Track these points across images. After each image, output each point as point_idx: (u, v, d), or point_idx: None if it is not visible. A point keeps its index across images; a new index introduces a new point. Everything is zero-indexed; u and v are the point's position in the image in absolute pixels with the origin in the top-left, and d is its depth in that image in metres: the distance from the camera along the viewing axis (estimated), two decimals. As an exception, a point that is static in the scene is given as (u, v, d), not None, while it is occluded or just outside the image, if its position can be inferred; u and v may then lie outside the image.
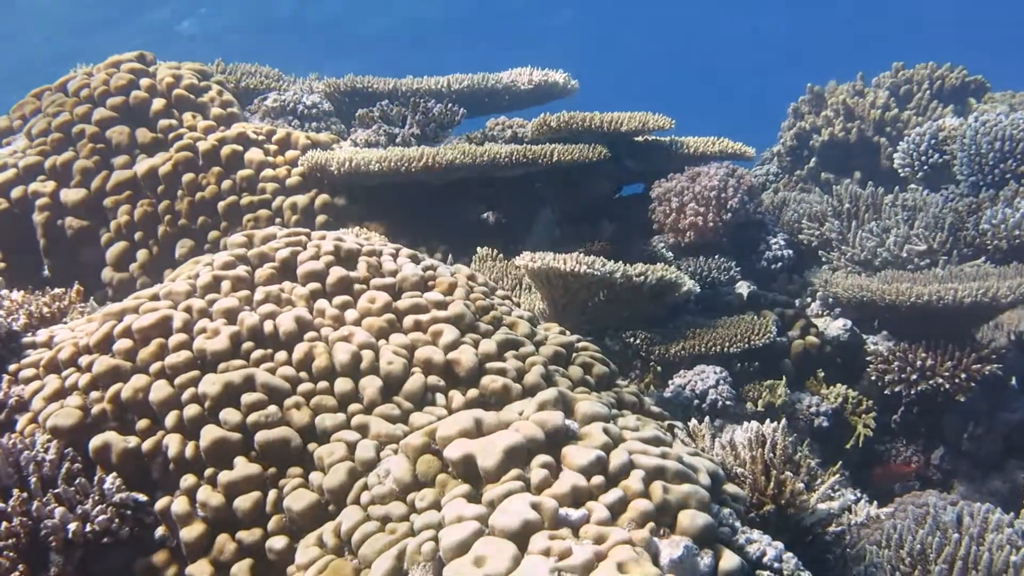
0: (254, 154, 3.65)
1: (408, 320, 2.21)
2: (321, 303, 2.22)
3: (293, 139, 3.80)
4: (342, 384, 2.04)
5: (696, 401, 3.44)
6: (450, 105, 4.19)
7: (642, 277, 2.71)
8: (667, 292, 2.88)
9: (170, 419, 1.98)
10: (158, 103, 3.80)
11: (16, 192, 3.64)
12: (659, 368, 3.59)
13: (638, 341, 3.64)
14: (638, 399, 2.46)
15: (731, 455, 2.15)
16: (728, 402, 3.43)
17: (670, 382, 3.53)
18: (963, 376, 3.43)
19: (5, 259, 3.62)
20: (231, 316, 2.13)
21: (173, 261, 3.49)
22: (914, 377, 3.52)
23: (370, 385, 2.04)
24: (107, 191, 3.60)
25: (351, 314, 2.20)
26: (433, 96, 5.21)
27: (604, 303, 2.82)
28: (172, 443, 1.95)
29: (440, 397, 2.09)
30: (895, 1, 23.23)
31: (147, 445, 1.97)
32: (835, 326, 4.10)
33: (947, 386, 3.45)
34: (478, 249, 3.33)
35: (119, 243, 3.56)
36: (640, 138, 3.94)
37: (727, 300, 3.96)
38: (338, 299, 2.23)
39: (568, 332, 2.61)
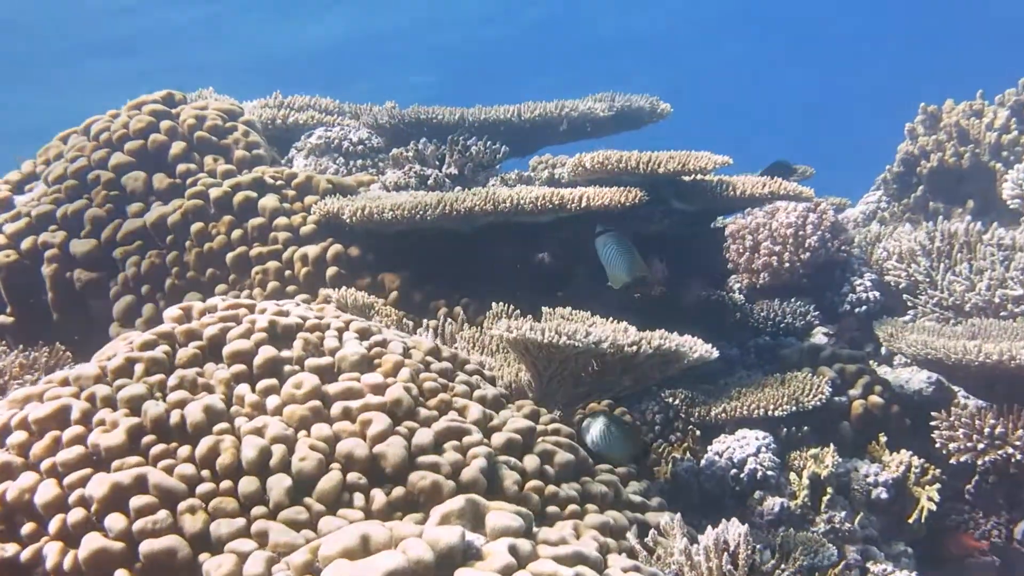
0: (268, 201, 3.55)
1: (337, 407, 2.05)
2: (242, 389, 2.07)
3: (314, 183, 3.69)
4: (247, 484, 1.89)
5: (734, 471, 3.19)
6: (490, 143, 4.03)
7: (635, 348, 2.48)
8: (670, 362, 2.65)
9: (54, 524, 1.85)
10: (177, 147, 3.74)
11: (26, 243, 3.62)
12: (698, 432, 3.36)
13: (677, 402, 3.42)
14: (614, 489, 2.25)
15: (687, 567, 1.92)
16: (770, 472, 3.17)
17: (709, 448, 3.30)
18: (1037, 446, 3.10)
19: (15, 312, 3.60)
20: (135, 406, 2.00)
21: (179, 316, 3.41)
22: (981, 446, 3.19)
23: (277, 485, 1.88)
24: (117, 241, 3.55)
25: (273, 401, 2.05)
26: (502, 126, 5.07)
27: (599, 374, 2.61)
28: (51, 553, 1.82)
29: (359, 497, 1.91)
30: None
31: (27, 554, 1.85)
32: (919, 379, 3.79)
33: (1019, 456, 3.12)
34: (492, 305, 3.14)
35: (125, 296, 3.50)
36: (688, 178, 3.70)
37: (783, 353, 3.68)
38: (263, 383, 2.08)
39: (546, 411, 2.42)
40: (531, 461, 2.13)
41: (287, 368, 2.13)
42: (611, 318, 3.05)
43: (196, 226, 3.48)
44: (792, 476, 3.18)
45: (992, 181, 5.41)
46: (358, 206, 3.37)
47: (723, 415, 3.29)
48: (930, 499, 3.22)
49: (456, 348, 3.03)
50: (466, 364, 2.44)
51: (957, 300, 3.99)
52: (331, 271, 3.40)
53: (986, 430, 3.15)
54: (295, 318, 2.25)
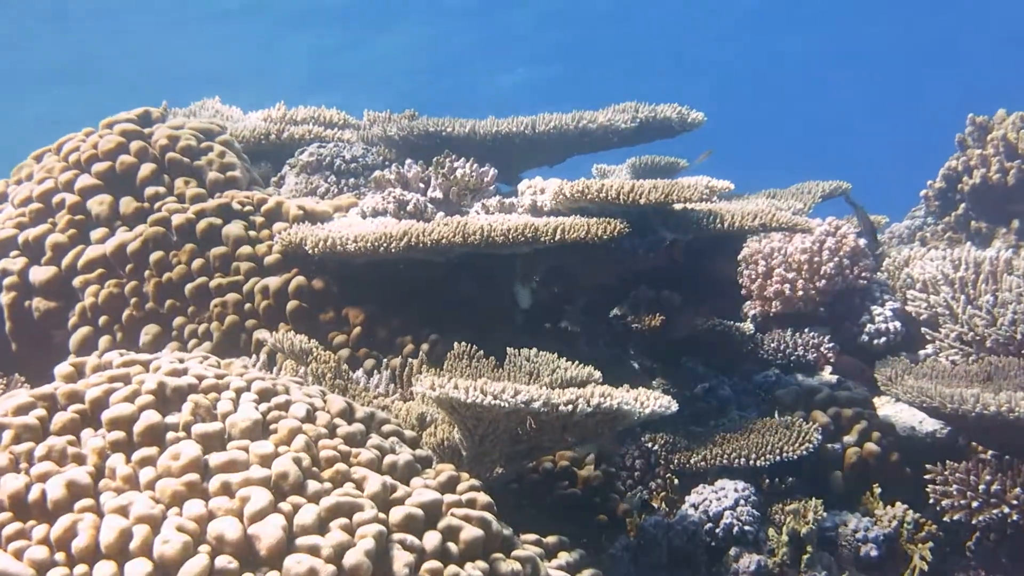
0: (233, 228, 3.47)
1: (216, 481, 1.95)
2: (114, 460, 1.97)
3: (284, 210, 3.60)
4: (103, 570, 1.79)
5: (709, 525, 3.05)
6: (476, 166, 3.90)
7: (571, 407, 2.35)
8: (616, 420, 2.51)
9: None
10: (146, 169, 3.67)
11: (-15, 270, 3.58)
12: (676, 481, 3.22)
13: (657, 447, 3.29)
14: (531, 567, 2.13)
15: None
16: (748, 527, 3.04)
17: (687, 498, 3.16)
18: (1034, 505, 2.92)
19: (-24, 342, 3.57)
20: (-7, 479, 1.91)
21: (136, 350, 3.34)
22: (976, 503, 3.00)
23: (134, 572, 1.78)
24: (78, 269, 3.49)
25: (147, 474, 1.95)
26: (516, 139, 4.96)
27: (538, 431, 2.48)
28: None
29: (227, 585, 1.81)
30: None
31: None
32: (933, 421, 3.63)
33: (1015, 516, 2.93)
34: (455, 345, 3.03)
35: (83, 328, 3.44)
36: (679, 206, 3.55)
37: (778, 395, 3.52)
38: (139, 454, 1.98)
39: (469, 476, 2.30)
40: (431, 539, 2.01)
41: (171, 435, 2.04)
42: (577, 363, 2.92)
43: (156, 255, 3.42)
44: (772, 532, 3.02)
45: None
46: (321, 236, 3.29)
47: (703, 463, 3.16)
48: (923, 558, 3.04)
49: (398, 396, 2.93)
50: (384, 424, 2.33)
51: (978, 335, 3.79)
52: (292, 305, 3.32)
53: (981, 487, 2.96)
54: (190, 378, 2.16)
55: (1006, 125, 5.57)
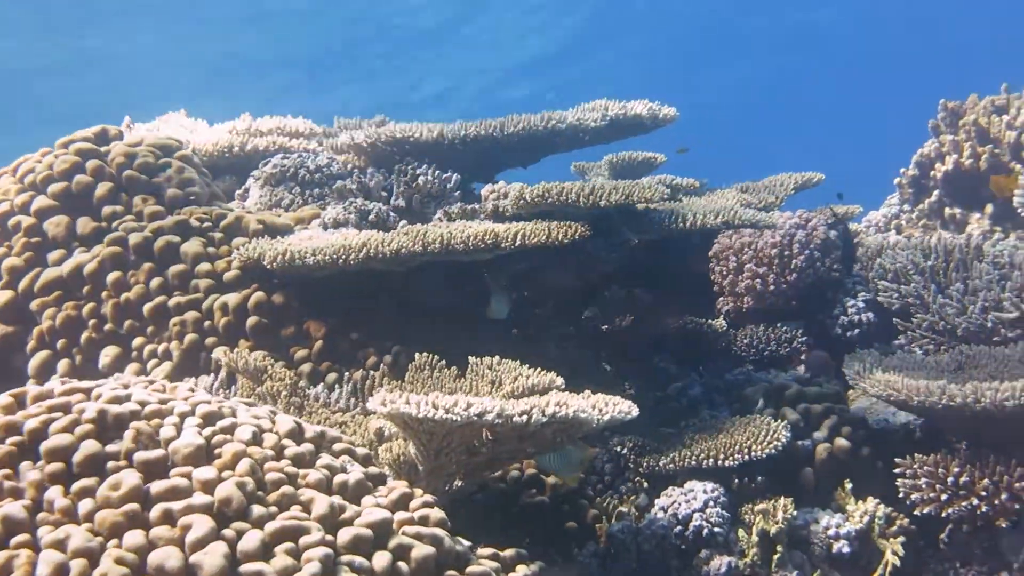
0: (191, 246, 3.44)
1: (157, 510, 1.91)
2: (52, 492, 1.94)
3: (244, 224, 3.57)
4: (40, 606, 1.76)
5: (679, 528, 3.03)
6: (438, 173, 3.87)
7: (525, 418, 2.32)
8: (574, 428, 2.48)
9: None
10: (103, 188, 3.63)
11: (-60, 296, 3.54)
12: (645, 484, 3.20)
13: (625, 451, 3.26)
14: (489, 584, 2.10)
15: None
16: (717, 529, 3.02)
17: (657, 501, 3.14)
18: (1004, 497, 2.89)
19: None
20: (-74, 516, 1.88)
21: (96, 372, 3.31)
22: (945, 496, 2.98)
23: (71, 607, 1.75)
24: (35, 292, 3.45)
25: (86, 505, 1.92)
26: (485, 142, 4.92)
27: (495, 443, 2.45)
28: None
29: (169, 617, 1.78)
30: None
31: None
32: (906, 414, 3.61)
33: (984, 508, 2.91)
34: (416, 356, 2.99)
35: (41, 352, 3.40)
36: (641, 206, 3.52)
37: (747, 393, 3.50)
38: (77, 485, 1.95)
39: (423, 491, 2.27)
40: (381, 559, 1.98)
41: (112, 464, 2.00)
42: (540, 369, 2.89)
43: (113, 275, 3.38)
44: (741, 533, 3.00)
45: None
46: (280, 250, 3.26)
47: (672, 465, 3.14)
48: (895, 553, 3.02)
49: (359, 410, 2.90)
50: (336, 442, 2.30)
51: (949, 324, 3.76)
52: (252, 321, 3.28)
53: (950, 479, 2.94)
54: (132, 404, 2.12)
55: (978, 110, 5.54)
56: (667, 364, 4.02)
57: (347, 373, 3.18)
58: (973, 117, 5.45)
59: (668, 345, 4.12)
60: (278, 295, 3.35)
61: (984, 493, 2.90)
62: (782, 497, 3.09)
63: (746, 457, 3.07)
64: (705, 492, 3.07)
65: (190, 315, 3.32)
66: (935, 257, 4.09)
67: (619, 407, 2.56)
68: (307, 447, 2.21)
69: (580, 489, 3.16)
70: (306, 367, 3.23)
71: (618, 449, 3.29)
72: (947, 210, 5.46)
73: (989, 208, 5.26)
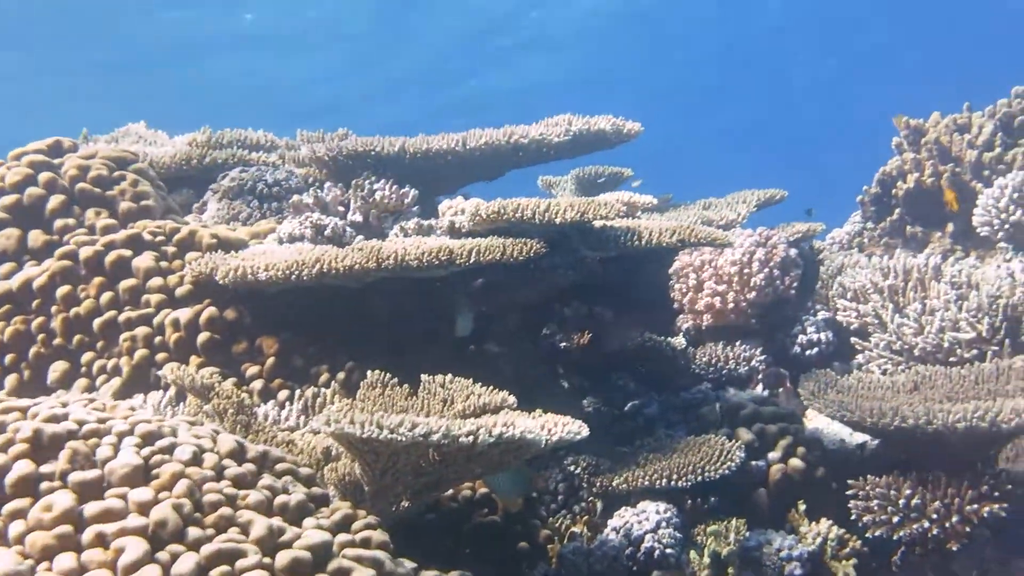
0: (143, 260, 3.41)
1: (90, 532, 1.89)
2: (-18, 514, 1.92)
3: (197, 238, 3.54)
4: (-33, 630, 1.74)
5: (630, 549, 3.02)
6: (396, 187, 3.86)
7: (471, 438, 2.31)
8: (523, 449, 2.47)
9: None
10: (55, 200, 3.60)
11: None
12: (599, 504, 3.19)
13: (579, 470, 3.25)
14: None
15: None
16: (669, 551, 3.00)
17: (609, 522, 3.12)
18: (955, 520, 2.89)
19: None
20: None
21: (46, 388, 3.28)
22: (896, 519, 2.98)
23: (0, 632, 1.73)
24: (-17, 307, 3.41)
25: (17, 528, 1.89)
26: (449, 156, 4.91)
27: (442, 464, 2.44)
28: None
29: (98, 643, 1.76)
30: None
31: None
32: (862, 434, 3.61)
33: (935, 531, 2.91)
34: (368, 374, 2.97)
35: (-11, 367, 3.36)
36: (598, 223, 3.52)
37: (702, 412, 3.50)
38: (10, 507, 1.92)
39: (367, 513, 2.25)
40: (320, 584, 1.96)
41: (46, 485, 1.98)
42: (492, 388, 2.87)
43: (63, 289, 3.34)
44: (693, 554, 2.99)
45: (973, 203, 5.16)
46: (232, 266, 3.23)
47: (625, 485, 3.12)
48: (847, 575, 3.02)
49: (309, 429, 2.87)
50: (279, 463, 2.27)
51: (906, 344, 3.78)
52: (203, 337, 3.25)
53: (901, 501, 2.94)
54: (69, 423, 2.09)
55: (940, 128, 5.58)
56: (626, 381, 4.01)
57: (299, 390, 3.16)
58: (935, 135, 5.49)
59: (627, 362, 4.11)
60: (231, 311, 3.32)
61: (935, 515, 2.91)
62: (734, 518, 3.09)
63: (699, 478, 3.07)
64: (658, 513, 3.06)
65: (141, 330, 3.29)
66: (894, 276, 4.11)
67: (568, 428, 2.55)
68: (248, 467, 2.19)
69: (533, 509, 3.15)
70: (257, 384, 3.20)
71: (572, 468, 3.28)
72: (908, 228, 5.49)
73: (950, 227, 5.29)
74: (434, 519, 2.97)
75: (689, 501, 3.15)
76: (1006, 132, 5.38)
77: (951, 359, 3.73)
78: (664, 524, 3.03)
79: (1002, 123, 5.42)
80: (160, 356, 3.27)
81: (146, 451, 2.09)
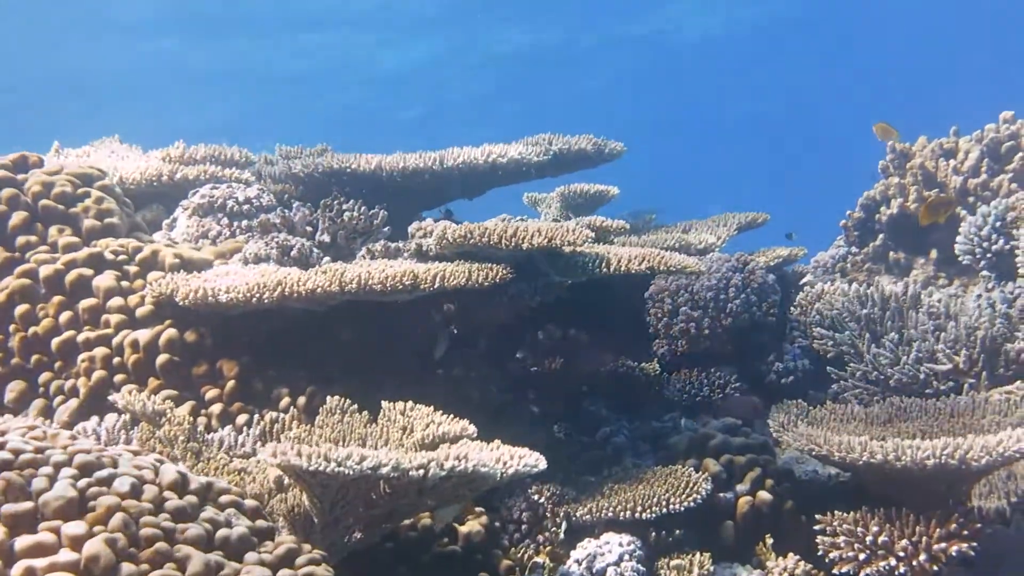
0: (104, 280, 3.36)
1: (20, 567, 1.84)
2: (-92, 548, 1.87)
3: (160, 258, 3.50)
4: None
5: (592, 582, 2.97)
6: (365, 208, 3.82)
7: (422, 472, 2.26)
8: (476, 482, 2.43)
9: None
10: (17, 217, 3.55)
11: None
12: (562, 535, 3.14)
13: (543, 499, 3.20)
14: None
15: None
16: (632, 584, 2.95)
17: (572, 553, 3.08)
18: (922, 558, 2.85)
19: None
20: None
21: (2, 407, 3.23)
22: (863, 556, 2.94)
23: (-82, 672, 1.68)
24: (-59, 325, 3.37)
25: (-57, 562, 1.85)
26: (426, 174, 4.88)
27: (393, 497, 2.39)
28: None
29: None
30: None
31: None
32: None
33: (902, 569, 2.86)
34: (327, 400, 2.93)
35: (-56, 387, 3.32)
36: (568, 249, 3.48)
37: (671, 442, 3.46)
38: (-63, 540, 1.89)
39: (312, 548, 2.21)
40: (257, 623, 1.92)
41: (-24, 518, 1.93)
42: (454, 415, 2.83)
43: (22, 308, 3.30)
44: (657, 589, 2.94)
45: (958, 230, 5.13)
46: (193, 287, 3.19)
47: (588, 516, 3.08)
48: (814, 612, 2.97)
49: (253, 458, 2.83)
50: (223, 495, 2.23)
51: (882, 374, 3.74)
52: (162, 359, 3.21)
53: (868, 538, 2.90)
54: (5, 453, 2.05)
55: (925, 153, 5.55)
56: (598, 407, 3.97)
57: (258, 415, 3.12)
58: (920, 160, 5.46)
59: (600, 388, 4.08)
60: (191, 332, 3.28)
61: (902, 553, 2.86)
62: (699, 552, 3.04)
63: (664, 510, 3.03)
64: (621, 545, 3.02)
65: (99, 351, 3.24)
66: (871, 305, 4.07)
67: (525, 461, 2.51)
68: (190, 500, 2.14)
69: (494, 538, 3.10)
70: (217, 407, 3.16)
71: (536, 497, 3.23)
72: (892, 254, 5.45)
73: (934, 253, 5.26)
74: (392, 548, 2.93)
75: (654, 533, 3.10)
76: (992, 158, 5.35)
77: (927, 391, 3.69)
78: (627, 557, 2.99)
79: (989, 149, 5.38)
80: (119, 377, 3.23)
81: (83, 483, 2.04)
